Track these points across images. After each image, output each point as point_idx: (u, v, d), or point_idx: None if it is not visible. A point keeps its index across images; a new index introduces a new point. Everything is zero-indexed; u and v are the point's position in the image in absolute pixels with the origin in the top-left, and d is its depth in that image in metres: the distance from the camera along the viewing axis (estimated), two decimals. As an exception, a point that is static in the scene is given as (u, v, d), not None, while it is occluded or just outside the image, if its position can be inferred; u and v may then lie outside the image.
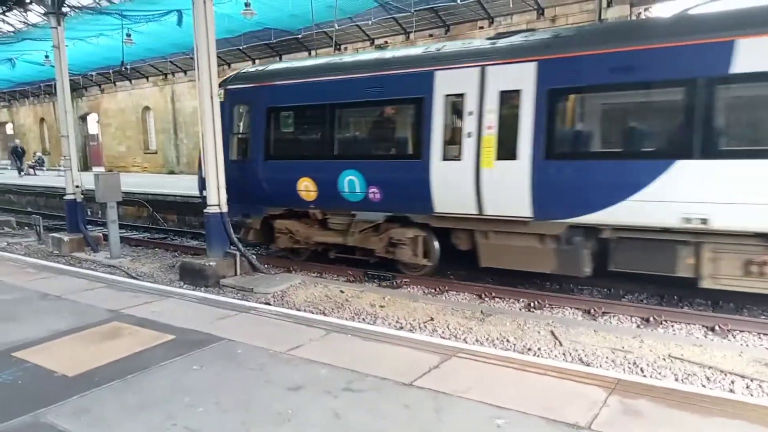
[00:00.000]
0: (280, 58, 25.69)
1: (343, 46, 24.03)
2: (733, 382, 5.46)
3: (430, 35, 21.84)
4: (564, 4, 18.73)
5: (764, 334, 6.87)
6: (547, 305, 8.21)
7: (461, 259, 9.47)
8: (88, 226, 13.54)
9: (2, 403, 4.42)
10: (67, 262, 11.65)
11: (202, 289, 9.17)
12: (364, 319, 7.64)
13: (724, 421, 3.92)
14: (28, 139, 40.06)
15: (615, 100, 7.88)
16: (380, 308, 8.11)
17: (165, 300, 7.54)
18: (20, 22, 23.09)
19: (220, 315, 6.74)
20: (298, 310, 7.84)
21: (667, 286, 8.14)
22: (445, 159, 8.68)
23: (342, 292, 8.93)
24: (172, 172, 30.84)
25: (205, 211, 9.84)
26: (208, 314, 6.79)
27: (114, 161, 34.85)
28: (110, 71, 29.83)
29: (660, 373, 5.70)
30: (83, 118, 36.95)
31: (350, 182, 9.55)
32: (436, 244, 9.48)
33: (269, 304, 8.11)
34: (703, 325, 7.20)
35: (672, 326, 7.28)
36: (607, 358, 6.10)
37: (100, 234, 13.57)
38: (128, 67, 26.74)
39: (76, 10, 18.77)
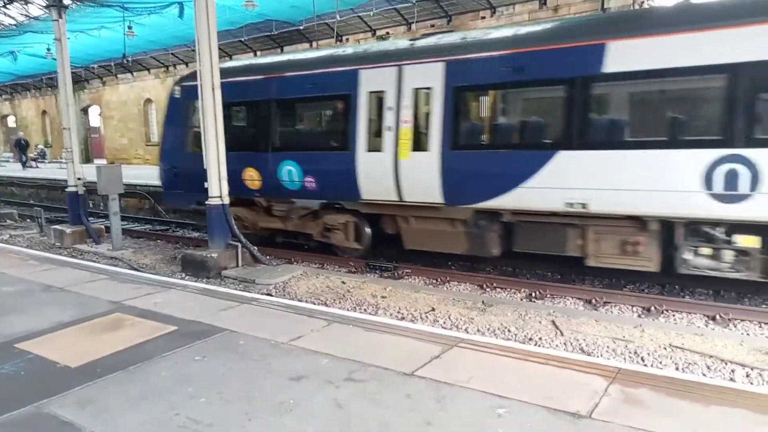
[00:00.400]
0: (282, 50, 25.63)
1: (344, 37, 23.94)
2: (733, 371, 5.47)
3: (432, 25, 21.73)
4: (566, -8, 18.63)
5: (765, 323, 6.87)
6: (548, 295, 8.22)
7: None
8: (90, 218, 13.57)
9: (6, 394, 4.45)
10: (69, 254, 11.67)
11: (204, 280, 9.19)
12: (365, 310, 7.66)
13: (725, 410, 3.93)
14: (30, 132, 40.06)
15: (507, 97, 8.78)
16: (382, 299, 8.12)
17: (167, 291, 7.56)
18: (22, 14, 23.02)
19: (222, 306, 6.76)
20: (300, 300, 7.86)
21: (668, 276, 8.13)
22: (369, 150, 9.45)
23: (344, 282, 8.95)
24: (174, 165, 30.79)
25: (206, 203, 9.84)
26: (210, 305, 6.81)
27: (116, 153, 34.88)
28: (112, 63, 29.81)
29: (661, 363, 5.70)
30: (85, 111, 36.94)
31: (289, 172, 10.32)
32: (368, 229, 10.22)
33: (271, 295, 8.13)
34: (704, 315, 7.20)
35: (673, 315, 7.29)
36: (608, 347, 6.10)
37: (102, 226, 13.60)
38: (130, 59, 26.71)
39: (78, 3, 18.71)
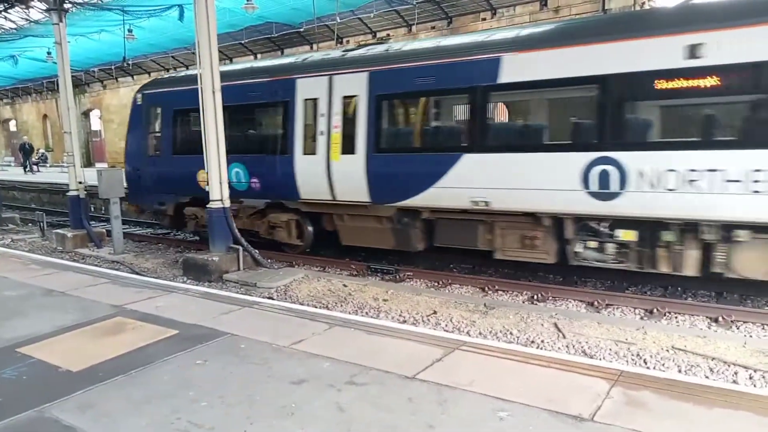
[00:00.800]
0: (282, 53, 25.65)
1: (345, 39, 23.94)
2: (736, 373, 5.45)
3: (433, 27, 21.76)
4: (567, -6, 18.63)
5: (767, 325, 6.86)
6: (550, 298, 8.21)
7: (455, 251, 9.76)
8: (91, 222, 13.58)
9: (7, 398, 4.44)
10: (70, 258, 11.69)
11: (206, 284, 9.18)
12: (367, 313, 7.65)
13: (728, 412, 3.92)
14: (31, 136, 40.07)
15: (420, 104, 9.50)
16: (383, 302, 8.11)
17: (168, 295, 7.56)
18: (22, 18, 23.04)
19: (223, 310, 6.76)
20: (302, 304, 7.85)
21: (670, 278, 8.11)
22: (305, 154, 10.22)
23: (345, 286, 8.94)
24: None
25: (207, 206, 9.85)
26: (212, 309, 6.81)
27: (117, 157, 34.77)
28: (112, 67, 29.85)
29: (663, 365, 5.69)
30: (86, 114, 36.98)
31: (237, 173, 11.03)
32: (309, 227, 10.92)
33: (272, 299, 8.13)
34: (707, 317, 7.19)
35: (676, 318, 7.28)
36: (610, 350, 6.09)
37: (104, 230, 13.60)
38: (130, 62, 26.74)
39: (78, 6, 18.70)
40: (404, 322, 7.24)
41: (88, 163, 33.62)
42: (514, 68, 8.04)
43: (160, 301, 7.19)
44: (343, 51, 10.73)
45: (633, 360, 5.85)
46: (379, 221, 9.71)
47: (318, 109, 9.98)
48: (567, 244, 8.20)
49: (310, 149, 10.13)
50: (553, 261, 8.42)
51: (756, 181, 6.56)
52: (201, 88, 9.48)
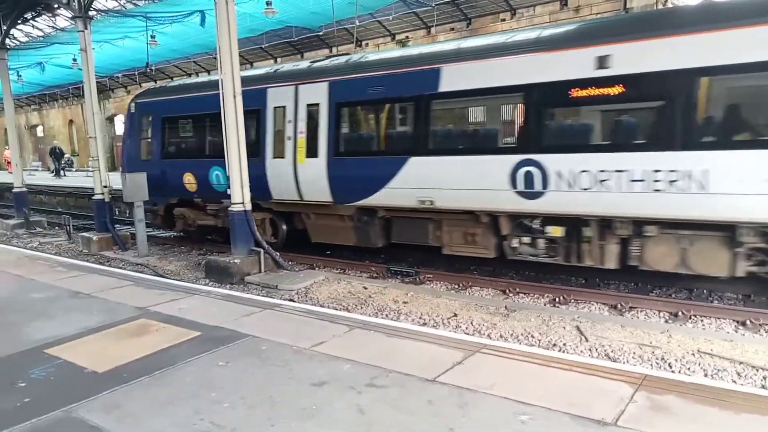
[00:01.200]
0: (302, 56, 25.82)
1: (364, 42, 24.02)
2: (765, 378, 5.33)
3: (452, 29, 21.72)
4: (588, -7, 18.46)
5: (798, 329, 6.69)
6: (572, 300, 8.12)
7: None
8: (116, 226, 13.80)
9: (35, 398, 4.54)
10: (96, 261, 11.89)
11: (228, 286, 9.28)
12: (387, 315, 7.64)
13: (756, 418, 3.84)
14: (57, 141, 40.94)
15: (372, 111, 10.24)
16: (403, 304, 8.10)
17: (191, 297, 7.66)
18: (49, 26, 23.61)
19: (245, 312, 6.82)
20: (322, 306, 7.88)
21: (696, 281, 7.97)
22: (275, 157, 11.01)
23: (365, 288, 8.95)
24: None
25: (229, 209, 9.96)
26: (233, 311, 6.87)
27: (140, 161, 35.34)
28: (135, 72, 30.38)
29: (689, 369, 5.59)
30: (110, 120, 37.66)
31: (217, 176, 11.77)
32: (283, 225, 11.73)
33: (293, 301, 8.17)
34: (734, 320, 7.04)
35: (701, 321, 7.15)
36: (634, 353, 6.00)
37: (128, 233, 13.81)
38: (153, 68, 27.16)
39: (102, 14, 19.11)
40: (424, 324, 7.22)
41: (112, 167, 34.19)
42: (452, 78, 8.76)
43: (183, 303, 7.28)
44: (310, 62, 11.63)
45: (657, 364, 5.75)
46: (342, 219, 10.46)
47: (286, 116, 10.80)
48: (504, 239, 8.87)
49: (279, 153, 10.92)
50: (493, 255, 9.11)
51: (656, 181, 7.15)
52: (222, 92, 9.59)
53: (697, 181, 6.90)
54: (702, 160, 6.89)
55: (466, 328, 7.07)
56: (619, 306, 7.71)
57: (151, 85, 33.43)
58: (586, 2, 18.60)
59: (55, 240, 15.01)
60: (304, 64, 11.68)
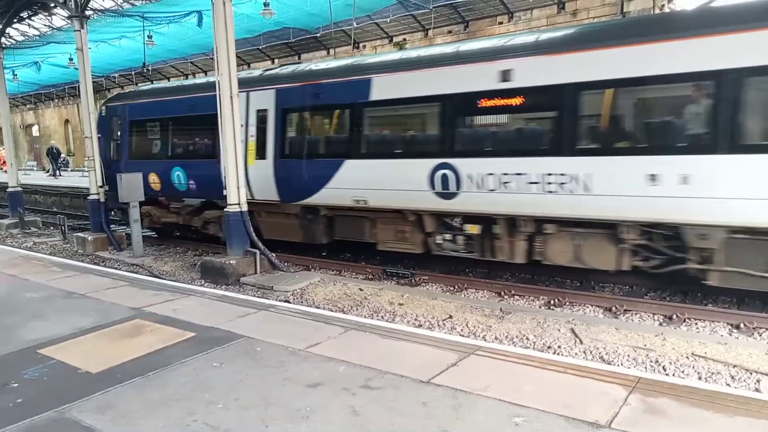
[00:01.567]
0: (299, 57, 25.83)
1: (361, 44, 24.05)
2: (759, 381, 5.34)
3: (449, 32, 21.77)
4: (584, -3, 18.52)
5: (792, 332, 6.72)
6: (567, 303, 8.13)
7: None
8: (111, 226, 13.76)
9: (28, 399, 4.52)
10: (91, 261, 11.86)
11: (223, 287, 9.26)
12: (382, 317, 7.64)
13: (750, 421, 3.85)
14: (54, 141, 40.82)
15: (314, 117, 10.96)
16: (399, 306, 8.10)
17: (186, 298, 7.64)
18: (45, 26, 23.54)
19: (240, 313, 6.81)
20: (317, 307, 7.87)
21: (690, 284, 8.00)
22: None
23: (361, 289, 8.94)
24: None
25: (225, 210, 9.94)
26: (229, 312, 6.86)
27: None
28: (132, 72, 30.29)
29: (683, 372, 5.60)
30: (107, 119, 37.41)
31: (178, 176, 12.66)
32: None
33: (289, 302, 8.16)
34: (728, 323, 7.06)
35: (695, 324, 7.16)
36: (628, 356, 6.00)
37: (123, 233, 13.77)
38: (150, 68, 27.12)
39: (99, 13, 19.07)
40: (420, 326, 7.22)
41: (108, 167, 34.06)
42: (381, 88, 9.55)
43: (178, 304, 7.26)
44: (263, 71, 12.56)
45: (652, 366, 5.76)
46: (289, 217, 11.15)
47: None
48: (429, 236, 9.60)
49: None
50: (421, 251, 9.83)
51: (549, 183, 7.94)
52: (219, 93, 9.58)
53: (583, 184, 7.68)
54: (586, 165, 7.67)
55: (461, 330, 7.07)
56: (613, 308, 7.73)
57: (147, 85, 33.46)
58: (583, 6, 18.67)
59: (50, 240, 14.95)
60: (256, 72, 12.52)
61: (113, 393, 4.57)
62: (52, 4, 15.45)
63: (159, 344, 5.68)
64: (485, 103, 8.54)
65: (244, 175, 10.90)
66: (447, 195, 8.88)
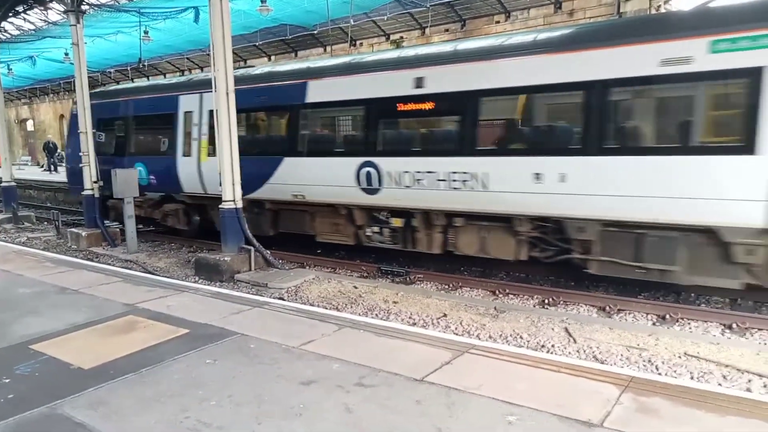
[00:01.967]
0: (296, 55, 25.78)
1: (359, 42, 24.01)
2: (750, 381, 5.37)
3: (446, 30, 21.76)
4: (581, -3, 18.52)
5: (784, 333, 6.75)
6: (561, 302, 8.15)
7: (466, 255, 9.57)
8: (105, 222, 13.70)
9: (20, 394, 4.50)
10: (84, 257, 11.80)
11: (217, 284, 9.23)
12: (377, 315, 7.64)
13: (741, 421, 3.87)
14: (48, 136, 40.64)
15: (259, 117, 11.93)
16: (393, 304, 8.10)
17: (180, 294, 7.62)
18: (41, 20, 23.36)
19: (234, 310, 6.79)
20: (312, 305, 7.87)
21: (683, 284, 8.02)
22: (184, 155, 12.61)
23: (355, 287, 8.94)
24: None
25: (219, 207, 9.91)
26: (223, 309, 6.85)
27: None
28: (128, 68, 30.20)
29: (675, 371, 5.62)
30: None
31: (140, 171, 13.19)
32: (195, 216, 13.29)
33: (283, 299, 8.15)
34: (720, 323, 7.10)
35: (688, 324, 7.19)
36: (621, 355, 6.03)
37: (118, 229, 13.72)
38: (146, 63, 27.01)
39: (95, 8, 18.94)
40: (414, 324, 7.23)
41: (103, 162, 33.95)
42: (316, 91, 10.40)
43: (172, 301, 7.24)
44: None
45: (644, 366, 5.78)
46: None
47: (192, 120, 12.39)
48: (359, 229, 10.35)
49: (187, 152, 12.52)
50: (353, 243, 10.60)
51: (454, 180, 8.79)
52: (215, 89, 9.54)
53: (481, 181, 8.54)
54: (483, 164, 8.55)
55: (456, 328, 7.08)
56: (607, 308, 7.76)
57: (143, 80, 33.34)
58: (580, 6, 18.69)
59: (44, 235, 14.89)
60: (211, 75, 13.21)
61: (106, 389, 4.56)
62: (48, -1, 15.37)
63: (152, 340, 5.66)
64: (402, 107, 9.35)
65: (197, 171, 12.16)
66: (371, 191, 9.72)
